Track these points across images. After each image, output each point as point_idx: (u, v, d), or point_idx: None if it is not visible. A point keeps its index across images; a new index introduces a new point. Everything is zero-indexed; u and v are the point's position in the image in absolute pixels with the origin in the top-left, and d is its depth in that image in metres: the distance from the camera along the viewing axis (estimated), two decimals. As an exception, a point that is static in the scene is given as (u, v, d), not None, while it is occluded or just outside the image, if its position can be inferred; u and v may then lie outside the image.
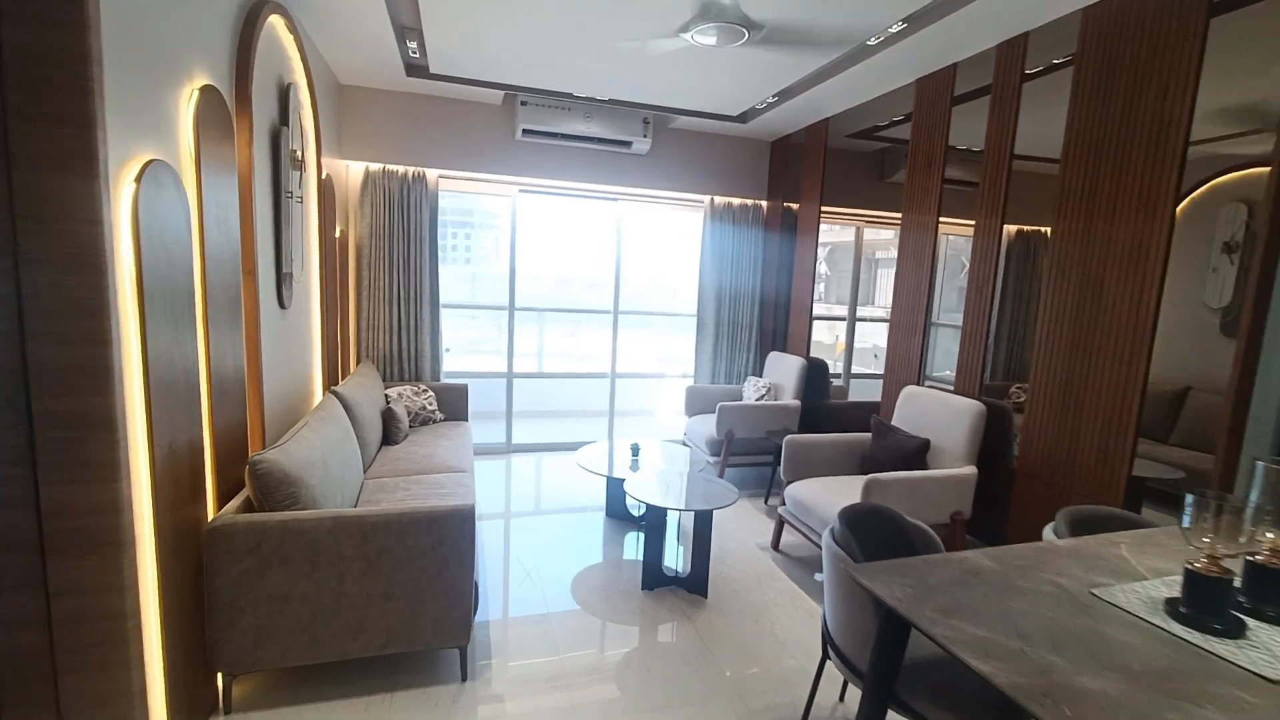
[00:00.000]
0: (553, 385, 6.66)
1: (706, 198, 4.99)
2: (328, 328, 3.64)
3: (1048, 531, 2.00)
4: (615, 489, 3.70)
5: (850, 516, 1.91)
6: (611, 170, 4.74)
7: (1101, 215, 2.47)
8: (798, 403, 4.32)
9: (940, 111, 3.32)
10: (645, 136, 4.50)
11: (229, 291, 2.15)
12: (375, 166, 4.24)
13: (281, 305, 2.79)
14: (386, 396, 4.01)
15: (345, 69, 3.84)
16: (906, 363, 3.57)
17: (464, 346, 7.24)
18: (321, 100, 3.53)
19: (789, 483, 3.30)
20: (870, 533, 1.93)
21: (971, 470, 2.85)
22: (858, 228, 5.49)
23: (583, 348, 7.87)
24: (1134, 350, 2.33)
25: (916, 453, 3.05)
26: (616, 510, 3.75)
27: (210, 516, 2.00)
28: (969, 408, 2.93)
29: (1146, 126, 2.31)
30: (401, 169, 4.28)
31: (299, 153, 2.90)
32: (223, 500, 2.08)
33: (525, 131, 4.36)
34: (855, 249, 5.54)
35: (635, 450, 3.69)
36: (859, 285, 5.55)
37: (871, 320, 6.35)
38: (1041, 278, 2.99)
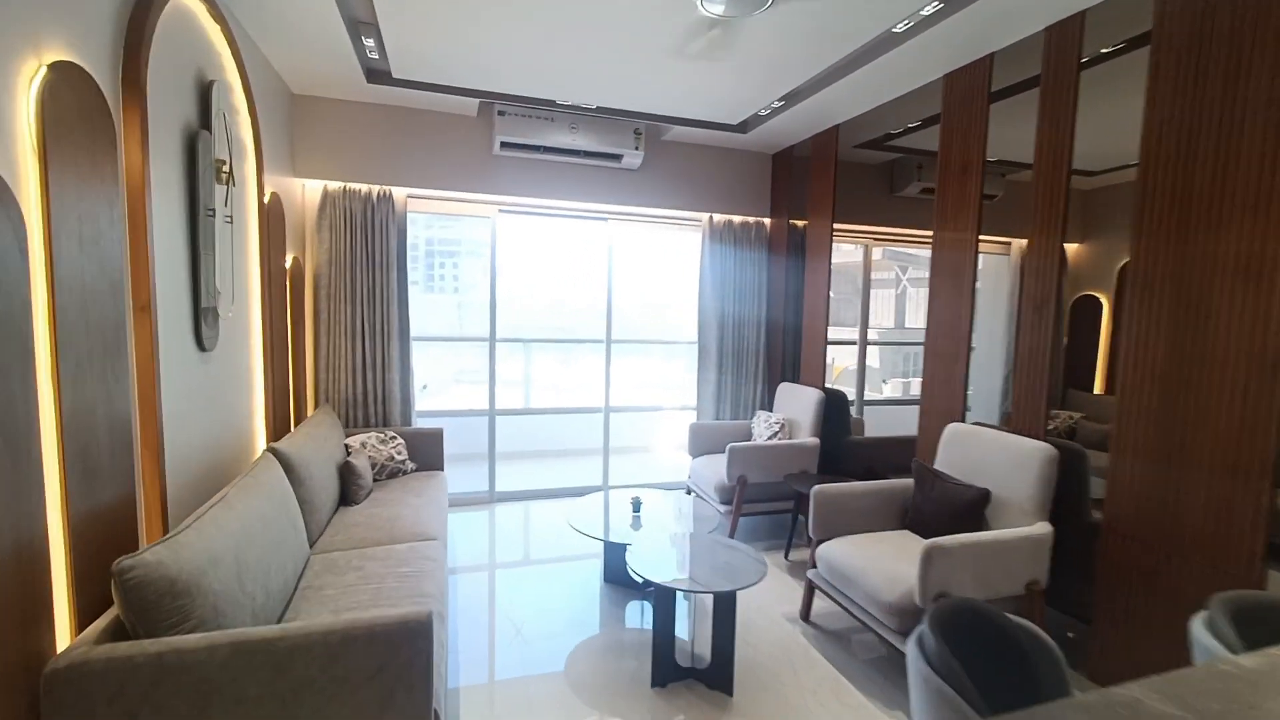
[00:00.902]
0: (542, 422, 6.13)
1: (704, 216, 4.56)
2: (275, 371, 3.12)
3: (1199, 630, 1.51)
4: (615, 551, 3.16)
5: (943, 624, 1.41)
6: (601, 187, 4.31)
7: (1200, 223, 2.04)
8: (816, 441, 3.83)
9: (976, 110, 2.92)
10: (637, 149, 4.08)
11: (104, 332, 1.63)
12: (335, 185, 3.76)
13: (201, 347, 2.27)
14: (347, 448, 3.47)
15: (297, 75, 3.39)
16: (948, 395, 3.10)
17: (449, 379, 6.71)
18: (266, 109, 3.06)
19: (819, 541, 2.79)
20: (969, 643, 1.43)
21: (1046, 529, 2.36)
22: (865, 246, 5.09)
23: (576, 377, 7.37)
24: (1258, 383, 1.87)
25: (973, 506, 2.56)
26: (616, 575, 3.21)
27: (60, 648, 1.46)
28: (1036, 451, 2.45)
29: (1256, 113, 1.89)
30: (365, 188, 3.81)
31: (228, 165, 2.42)
32: (87, 620, 1.54)
33: (504, 145, 3.92)
34: (864, 268, 5.12)
35: (636, 506, 3.16)
36: (866, 307, 5.12)
37: (876, 344, 5.92)
38: (1123, 296, 2.53)
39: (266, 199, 3.02)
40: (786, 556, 3.60)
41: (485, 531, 3.97)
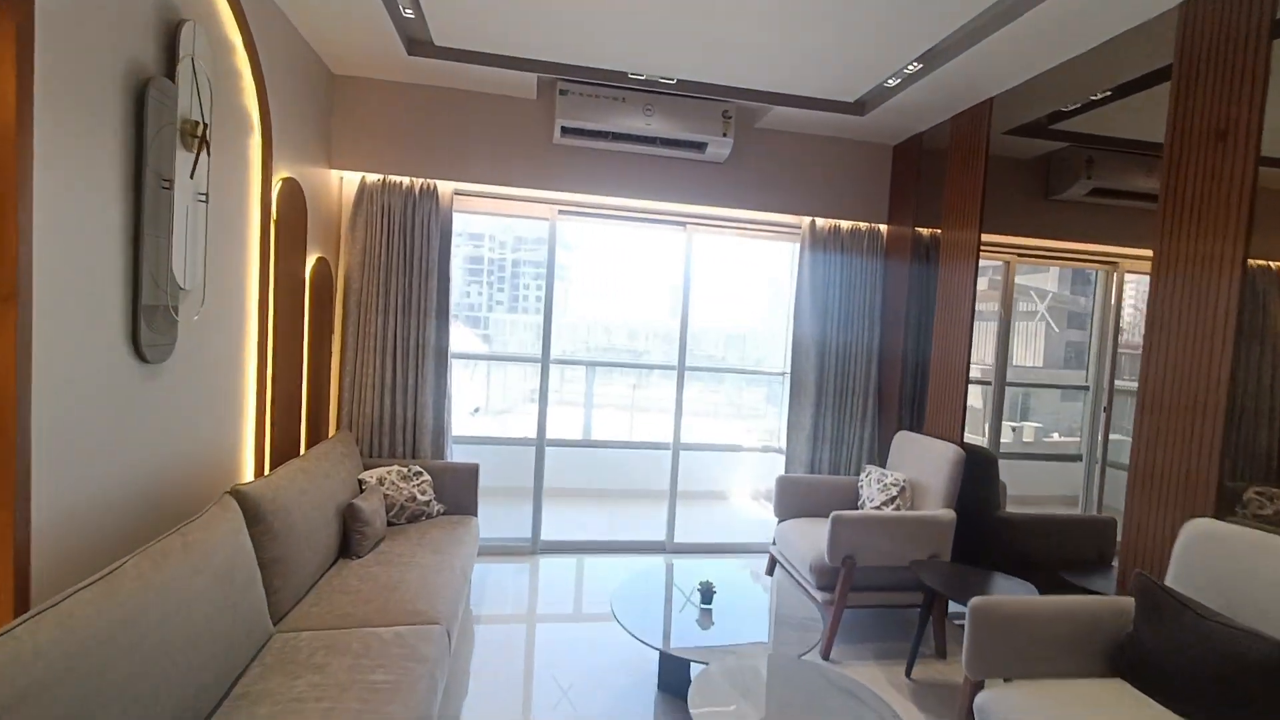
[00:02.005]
0: (601, 456, 5.43)
1: (804, 221, 3.74)
2: (280, 391, 2.60)
3: None
4: (676, 659, 2.35)
5: None
6: (680, 183, 3.60)
7: None
8: (952, 515, 2.86)
9: (1247, 45, 1.95)
10: (725, 136, 3.34)
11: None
12: (373, 178, 3.28)
13: (141, 357, 1.73)
14: (360, 484, 2.89)
15: (331, 48, 2.94)
16: (1182, 466, 2.08)
17: (521, 397, 6.23)
18: (287, 82, 2.60)
19: (978, 683, 1.86)
20: None
21: None
22: (1007, 264, 4.04)
23: (642, 407, 6.67)
24: None
25: (1269, 671, 1.55)
26: (676, 686, 2.39)
27: None
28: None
29: None
30: (406, 181, 3.30)
31: (202, 128, 1.90)
32: None
33: (565, 131, 3.31)
34: (1004, 291, 4.07)
35: (707, 594, 2.34)
36: (1007, 339, 4.05)
37: (1018, 385, 4.78)
38: None
39: (276, 185, 2.53)
40: (909, 675, 2.63)
41: (518, 594, 3.27)
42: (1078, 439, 3.47)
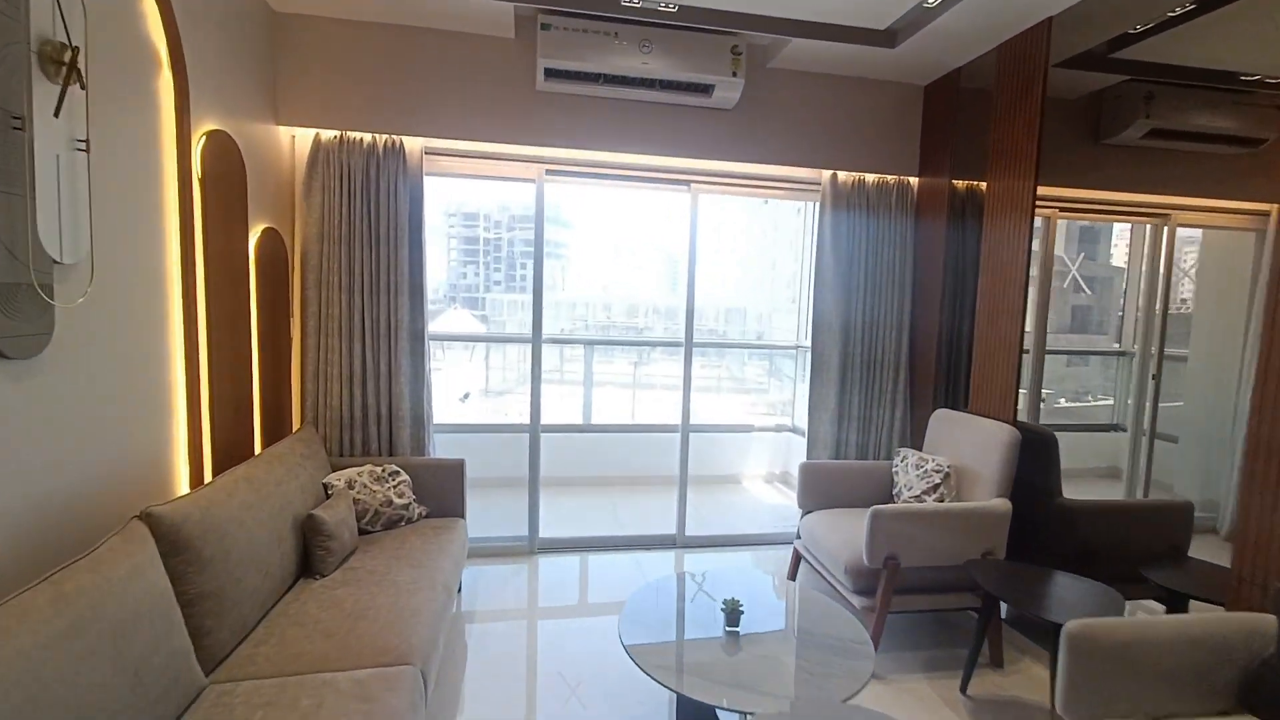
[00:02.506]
0: (603, 440, 5.06)
1: (824, 175, 3.30)
2: (224, 384, 2.20)
3: None
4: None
5: None
6: (683, 134, 3.15)
7: None
8: (1007, 505, 2.49)
9: None
10: (735, 75, 2.89)
11: None
12: (329, 135, 2.83)
13: (-3, 353, 1.32)
14: (326, 488, 2.51)
15: (269, -23, 2.47)
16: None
17: (522, 378, 5.91)
18: (214, 16, 2.14)
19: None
20: None
21: None
22: (1048, 219, 3.61)
23: (647, 379, 6.31)
24: None
25: None
26: None
27: None
28: None
29: None
30: (368, 137, 2.85)
31: (71, 53, 1.47)
32: None
33: (550, 74, 2.85)
34: (1045, 251, 3.64)
35: (732, 614, 1.96)
36: (1046, 303, 3.64)
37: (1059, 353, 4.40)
38: None
39: (198, 138, 2.09)
40: (965, 690, 2.29)
41: (516, 602, 2.91)
42: (1107, 406, 3.09)
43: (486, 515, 3.85)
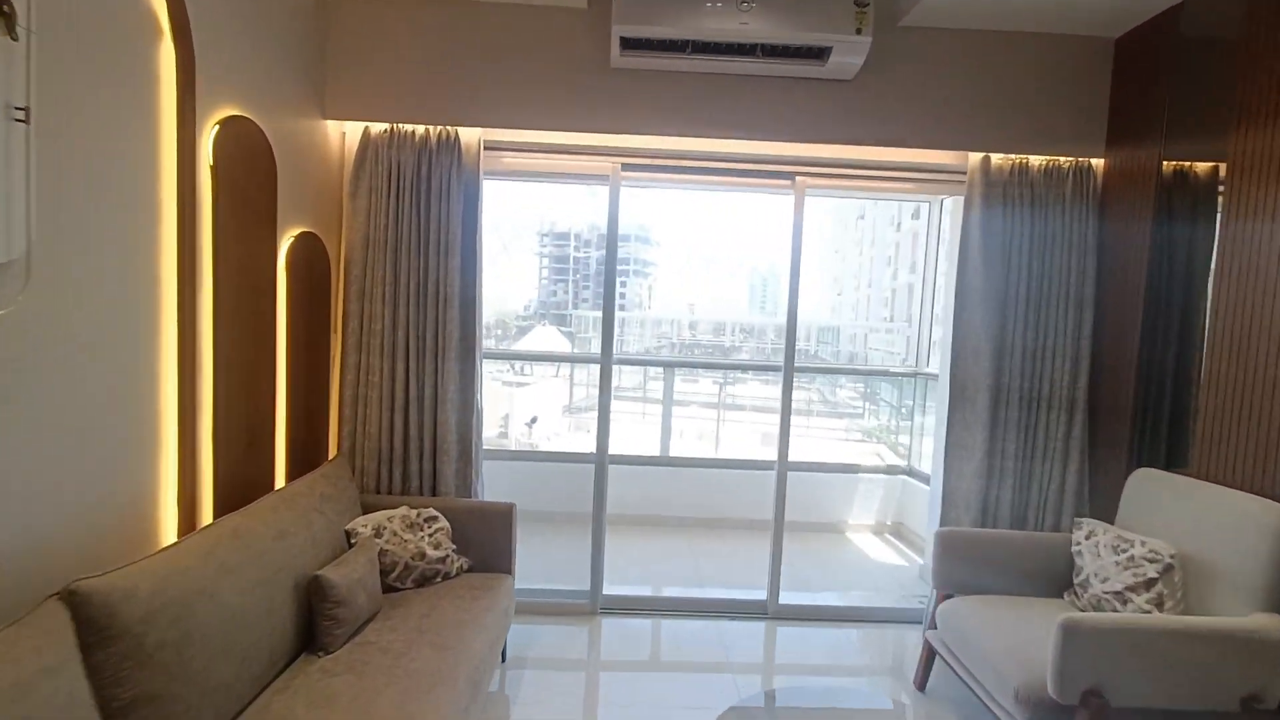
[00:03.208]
0: (682, 475, 4.48)
1: (971, 159, 2.58)
2: (236, 414, 1.87)
3: None
4: None
5: None
6: (789, 114, 2.56)
7: None
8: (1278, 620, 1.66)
9: None
10: (859, 33, 2.27)
11: None
12: (378, 128, 2.51)
13: None
14: (349, 535, 2.12)
15: (311, -52, 2.18)
16: None
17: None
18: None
19: None
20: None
21: None
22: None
23: (737, 398, 5.74)
24: None
25: None
26: None
27: None
28: None
29: None
30: (420, 130, 2.51)
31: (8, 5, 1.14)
32: None
33: (627, 45, 2.38)
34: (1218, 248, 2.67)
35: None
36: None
37: None
38: None
39: (211, 125, 1.78)
40: None
41: (571, 686, 2.39)
42: None
43: (543, 558, 3.40)
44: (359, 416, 2.52)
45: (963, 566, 2.29)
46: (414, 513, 2.28)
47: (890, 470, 4.37)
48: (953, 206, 3.55)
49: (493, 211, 2.64)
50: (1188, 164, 2.28)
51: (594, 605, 2.90)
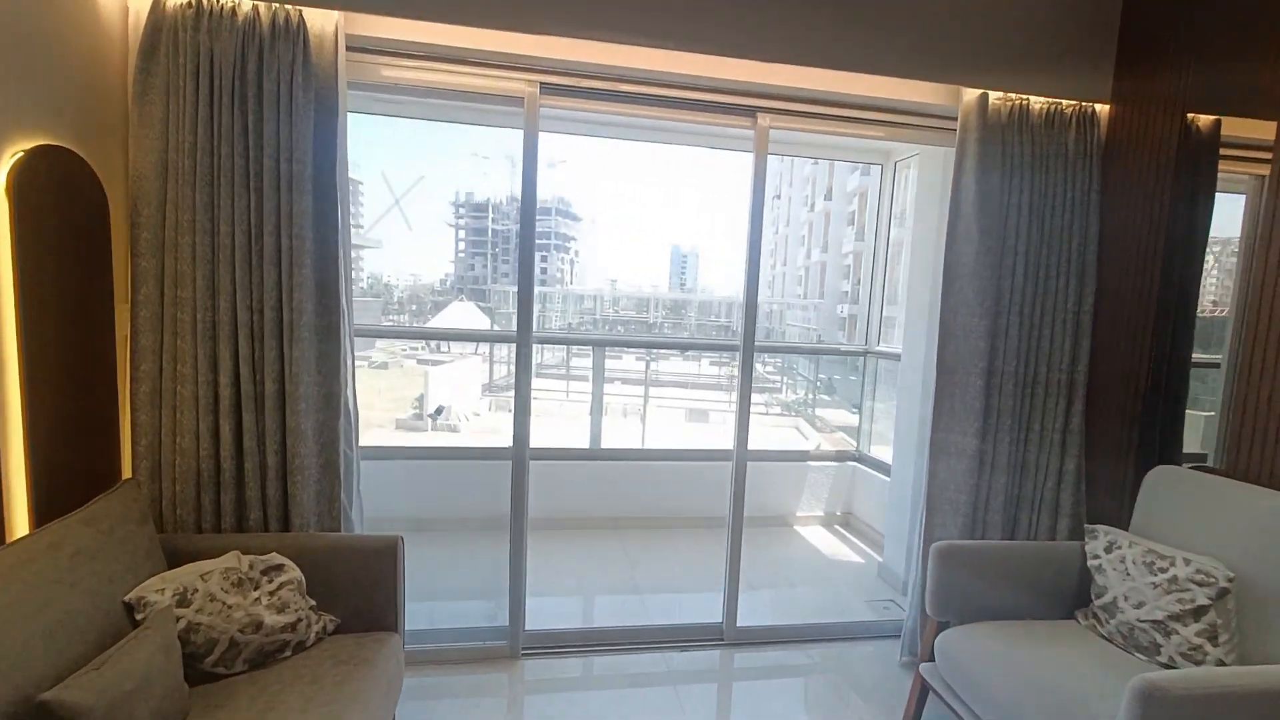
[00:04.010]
0: (614, 468, 3.94)
1: (966, 98, 2.15)
2: None
3: None
4: None
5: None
6: (754, 26, 2.01)
7: None
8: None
9: None
10: (853, -88, 1.74)
11: None
12: None
13: None
14: (131, 608, 1.41)
15: None
16: None
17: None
18: None
19: None
20: None
21: None
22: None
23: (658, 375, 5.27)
24: None
25: None
26: None
27: None
28: None
29: None
30: (243, 4, 1.74)
31: None
32: None
33: (546, -98, 1.72)
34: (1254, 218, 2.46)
35: None
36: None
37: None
38: None
39: None
40: None
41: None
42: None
43: (451, 577, 2.76)
44: (164, 423, 1.75)
45: (964, 588, 1.91)
46: (245, 562, 1.58)
47: (839, 457, 4.05)
48: (917, 163, 3.18)
49: (388, 159, 1.93)
50: (1213, 118, 1.95)
51: (514, 647, 2.31)
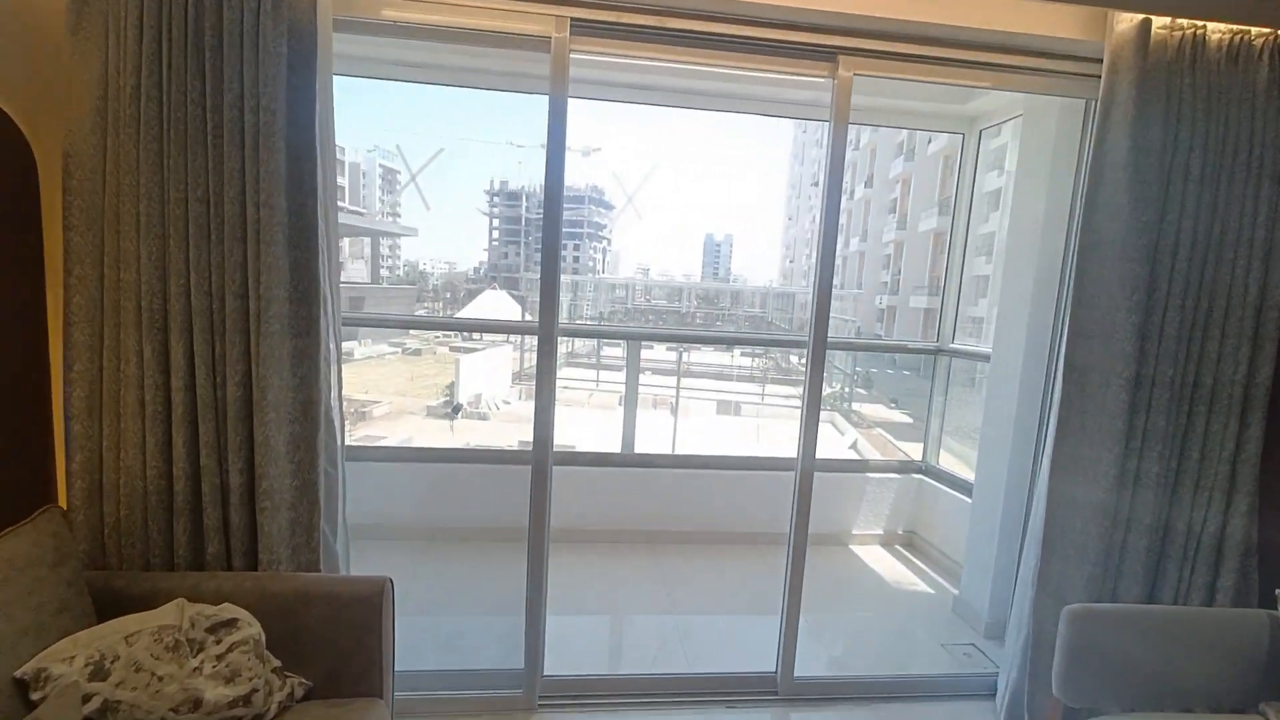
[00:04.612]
0: (649, 475, 3.55)
1: (1114, 24, 1.66)
2: None
3: None
4: None
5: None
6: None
7: None
8: None
9: None
10: None
11: None
12: (119, -91, 1.37)
13: None
14: (25, 686, 1.08)
15: None
16: None
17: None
18: None
19: None
20: None
21: None
22: None
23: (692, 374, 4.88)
24: None
25: None
26: None
27: None
28: None
29: None
30: (197, -86, 1.38)
31: None
32: None
33: None
34: None
35: None
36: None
37: None
38: None
39: None
40: None
41: None
42: None
43: (461, 597, 2.43)
44: (104, 435, 1.43)
45: (1106, 664, 1.46)
46: (187, 618, 1.25)
47: (903, 469, 3.57)
48: (1016, 129, 2.66)
49: (417, 144, 1.58)
50: None
51: (530, 697, 1.96)
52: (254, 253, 1.42)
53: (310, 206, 1.48)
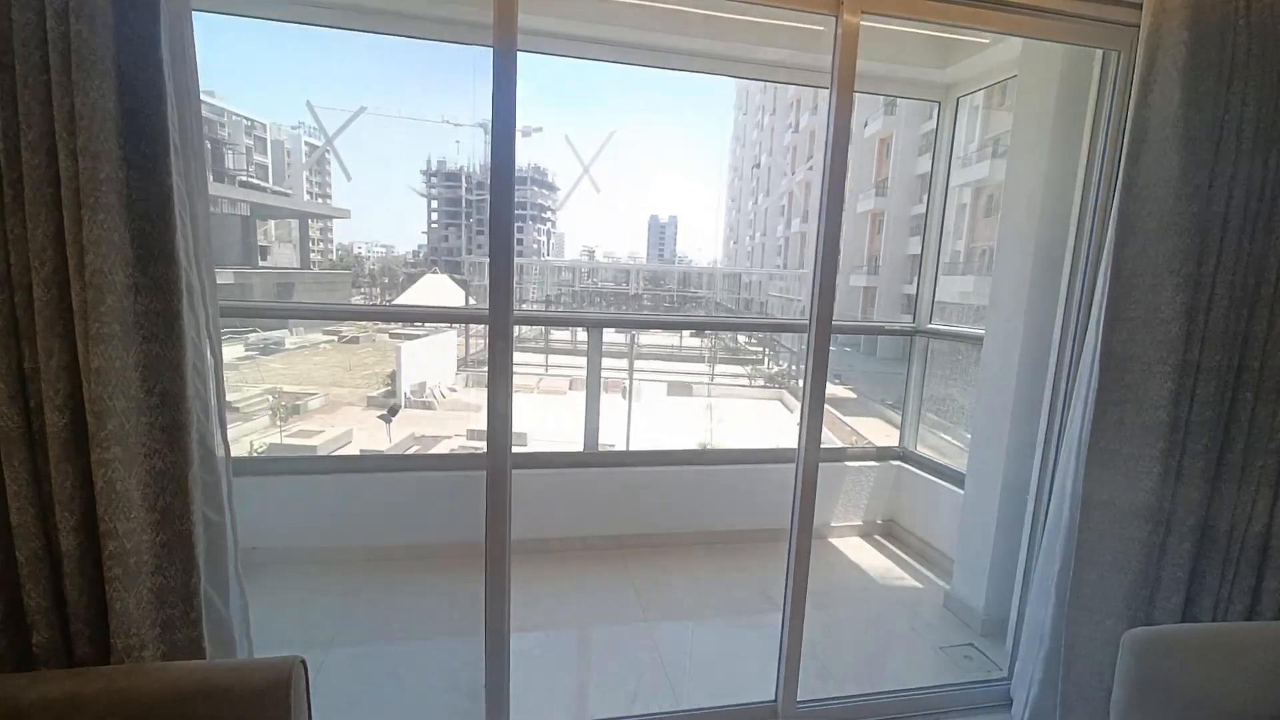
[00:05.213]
0: (614, 475, 3.24)
1: (1161, -40, 1.42)
2: None
3: None
4: None
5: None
6: None
7: None
8: None
9: None
10: None
11: None
12: None
13: None
14: None
15: None
16: None
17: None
18: None
19: None
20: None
21: None
22: None
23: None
24: None
25: None
26: None
27: None
28: None
29: None
30: None
31: None
32: None
33: None
34: None
35: None
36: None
37: None
38: None
39: None
40: None
41: None
42: None
43: (412, 625, 2.06)
44: None
45: (1179, 696, 1.26)
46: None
47: (881, 455, 3.40)
48: (1013, 90, 2.44)
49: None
50: None
51: (489, 758, 1.63)
52: (73, 221, 0.99)
53: (162, 162, 1.05)
